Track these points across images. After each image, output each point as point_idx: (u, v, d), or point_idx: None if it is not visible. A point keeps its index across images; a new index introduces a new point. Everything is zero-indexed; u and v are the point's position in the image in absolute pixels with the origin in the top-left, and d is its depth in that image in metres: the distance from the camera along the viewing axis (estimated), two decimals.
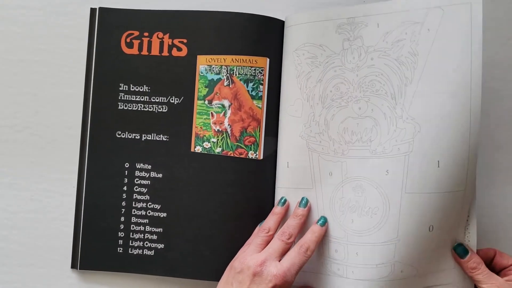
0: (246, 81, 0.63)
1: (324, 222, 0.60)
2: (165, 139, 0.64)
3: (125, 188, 0.65)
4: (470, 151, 0.55)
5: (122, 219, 0.65)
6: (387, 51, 0.58)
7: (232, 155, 0.63)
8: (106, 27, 0.65)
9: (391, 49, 0.58)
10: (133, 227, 0.65)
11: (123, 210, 0.65)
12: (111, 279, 0.66)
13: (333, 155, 0.60)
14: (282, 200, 0.62)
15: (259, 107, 0.64)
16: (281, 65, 0.64)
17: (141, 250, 0.64)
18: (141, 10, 0.65)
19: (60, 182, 0.66)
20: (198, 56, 0.64)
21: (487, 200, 0.66)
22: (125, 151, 0.65)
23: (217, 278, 0.59)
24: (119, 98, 0.65)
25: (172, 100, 0.64)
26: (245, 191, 0.63)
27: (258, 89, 0.64)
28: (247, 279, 0.55)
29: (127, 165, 0.65)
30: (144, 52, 0.64)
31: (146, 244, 0.64)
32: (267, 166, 0.64)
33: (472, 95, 0.55)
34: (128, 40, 0.65)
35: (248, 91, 0.63)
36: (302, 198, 0.61)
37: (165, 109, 0.64)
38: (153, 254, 0.64)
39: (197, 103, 0.64)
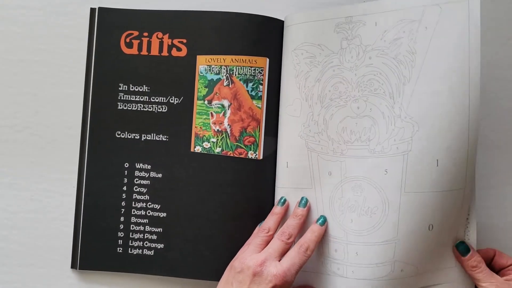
0: (246, 81, 0.64)
1: (324, 221, 0.60)
2: (165, 139, 0.65)
3: (124, 188, 0.65)
4: (469, 149, 0.56)
5: (122, 219, 0.65)
6: (385, 50, 0.58)
7: (231, 155, 0.64)
8: (106, 27, 0.66)
9: (389, 47, 0.58)
10: (132, 227, 0.65)
11: (123, 210, 0.65)
12: (111, 279, 0.66)
13: (332, 154, 0.60)
14: (282, 200, 0.62)
15: (258, 107, 0.64)
16: (281, 65, 0.65)
17: (141, 250, 0.65)
18: (140, 10, 0.65)
19: (60, 182, 0.67)
20: (197, 56, 0.64)
21: (486, 200, 0.66)
22: (125, 151, 0.65)
23: (217, 278, 0.59)
24: (119, 98, 0.65)
25: (171, 100, 0.65)
26: (245, 191, 0.64)
27: (258, 89, 0.64)
28: (247, 279, 0.55)
29: (126, 165, 0.65)
30: (144, 52, 0.65)
31: (146, 244, 0.65)
32: (267, 166, 0.64)
33: (471, 93, 0.55)
34: (127, 40, 0.65)
35: (247, 91, 0.64)
36: (302, 198, 0.62)
37: (164, 109, 0.65)
38: (153, 254, 0.64)
39: (197, 103, 0.64)
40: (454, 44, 0.55)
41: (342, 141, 0.60)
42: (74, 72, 0.67)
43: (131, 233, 0.65)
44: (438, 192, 0.56)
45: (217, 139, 0.64)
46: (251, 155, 0.64)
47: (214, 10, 0.64)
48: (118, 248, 0.65)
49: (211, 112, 0.64)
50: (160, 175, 0.65)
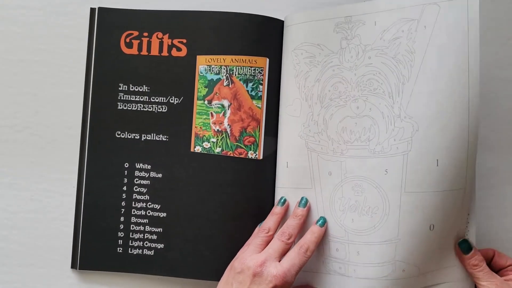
0: (246, 81, 0.64)
1: (324, 222, 0.60)
2: (165, 139, 0.65)
3: (124, 188, 0.65)
4: (469, 149, 0.56)
5: (122, 219, 0.65)
6: (384, 50, 0.58)
7: (231, 155, 0.64)
8: (106, 27, 0.66)
9: (388, 47, 0.58)
10: (132, 227, 0.65)
11: (123, 210, 0.65)
12: (111, 279, 0.66)
13: (332, 154, 0.60)
14: (282, 200, 0.63)
15: (258, 107, 0.64)
16: (281, 65, 0.65)
17: (141, 250, 0.65)
18: (140, 10, 0.66)
19: (60, 182, 0.67)
20: (197, 56, 0.64)
21: (486, 200, 0.66)
22: (125, 151, 0.65)
23: (217, 278, 0.59)
24: (119, 98, 0.65)
25: (171, 100, 0.65)
26: (245, 191, 0.64)
27: (258, 89, 0.64)
28: (247, 280, 0.55)
29: (126, 165, 0.65)
30: (144, 52, 0.65)
31: (146, 244, 0.65)
32: (267, 166, 0.65)
33: (470, 93, 0.55)
34: (127, 40, 0.65)
35: (247, 91, 0.64)
36: (302, 198, 0.62)
37: (164, 109, 0.65)
38: (153, 254, 0.65)
39: (197, 103, 0.65)
40: (453, 43, 0.55)
41: (342, 141, 0.60)
42: (74, 72, 0.67)
43: (131, 233, 0.65)
44: (438, 192, 0.56)
45: (217, 139, 0.64)
46: (251, 155, 0.64)
47: (214, 10, 0.65)
48: (118, 248, 0.65)
49: (211, 112, 0.64)
50: (160, 175, 0.65)
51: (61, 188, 0.67)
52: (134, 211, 0.65)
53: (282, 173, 0.64)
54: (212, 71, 0.64)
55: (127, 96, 0.65)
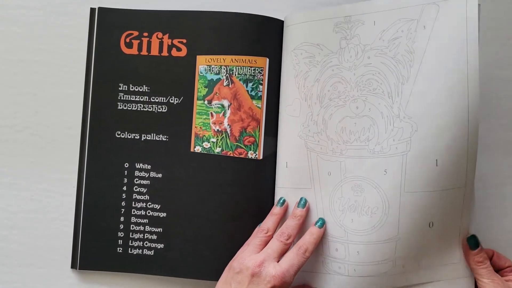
0: (246, 81, 0.64)
1: (323, 224, 0.61)
2: (165, 139, 0.65)
3: (124, 188, 0.66)
4: (469, 148, 0.56)
5: (122, 219, 0.65)
6: (383, 49, 0.58)
7: (231, 155, 0.64)
8: (106, 27, 0.66)
9: (387, 47, 0.58)
10: (132, 227, 0.65)
11: (123, 210, 0.65)
12: (111, 279, 0.66)
13: (332, 154, 0.61)
14: (281, 201, 0.63)
15: (258, 107, 0.64)
16: (281, 65, 0.65)
17: (140, 250, 0.65)
18: (140, 10, 0.66)
19: (60, 182, 0.67)
20: (197, 56, 0.65)
21: (486, 200, 0.67)
22: (125, 151, 0.65)
23: (217, 278, 0.60)
24: (119, 98, 0.65)
25: (171, 100, 0.65)
26: (245, 191, 0.64)
27: (258, 89, 0.64)
28: (246, 280, 0.56)
29: (126, 165, 0.65)
30: (144, 52, 0.65)
31: (146, 244, 0.65)
32: (267, 166, 0.65)
33: (470, 92, 0.55)
34: (127, 40, 0.65)
35: (247, 91, 0.64)
36: (301, 199, 0.62)
37: (164, 109, 0.65)
38: (152, 254, 0.65)
39: (197, 103, 0.65)
40: (452, 43, 0.55)
41: (341, 141, 0.60)
42: (74, 72, 0.67)
43: (131, 233, 0.65)
44: (438, 191, 0.57)
45: (217, 139, 0.64)
46: (251, 155, 0.64)
47: (214, 10, 0.65)
48: (118, 248, 0.65)
49: (211, 112, 0.65)
50: (160, 175, 0.65)
51: (61, 188, 0.67)
52: (134, 211, 0.65)
53: (282, 173, 0.64)
54: (212, 71, 0.65)
55: (127, 96, 0.66)
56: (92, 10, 0.67)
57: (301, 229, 0.61)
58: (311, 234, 0.60)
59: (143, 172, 0.65)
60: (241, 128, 0.64)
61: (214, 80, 0.65)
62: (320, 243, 0.61)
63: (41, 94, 0.68)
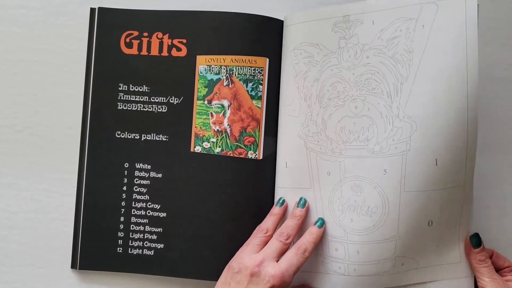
0: (246, 81, 0.64)
1: (322, 223, 0.61)
2: (165, 139, 0.66)
3: (124, 188, 0.66)
4: (468, 147, 0.56)
5: (122, 219, 0.66)
6: (382, 49, 0.58)
7: (231, 155, 0.64)
8: (106, 27, 0.66)
9: (386, 46, 0.58)
10: (132, 227, 0.66)
11: (123, 210, 0.66)
12: (111, 279, 0.67)
13: (331, 154, 0.61)
14: (281, 201, 0.63)
15: (258, 107, 0.65)
16: (281, 65, 0.65)
17: (140, 250, 0.65)
18: (140, 10, 0.66)
19: (60, 182, 0.67)
20: (197, 56, 0.65)
21: (486, 200, 0.67)
22: (125, 151, 0.66)
23: (217, 278, 0.60)
24: (119, 98, 0.66)
25: (171, 100, 0.65)
26: (244, 191, 0.64)
27: (258, 89, 0.65)
28: (245, 279, 0.56)
29: (126, 165, 0.66)
30: (144, 52, 0.65)
31: (146, 244, 0.65)
32: (267, 166, 0.65)
33: (469, 92, 0.55)
34: (127, 40, 0.66)
35: (247, 91, 0.64)
36: (300, 199, 0.62)
37: (164, 109, 0.66)
38: (152, 254, 0.65)
39: (197, 103, 0.65)
40: (452, 42, 0.56)
41: (341, 141, 0.60)
42: (74, 72, 0.68)
43: (131, 233, 0.66)
44: (437, 190, 0.57)
45: (217, 139, 0.65)
46: (251, 155, 0.65)
47: (214, 10, 0.65)
48: (118, 248, 0.66)
49: (211, 112, 0.65)
50: (160, 175, 0.66)
51: (61, 188, 0.67)
52: (134, 211, 0.66)
53: (282, 173, 0.64)
54: (212, 71, 0.65)
55: (127, 96, 0.66)
56: (92, 10, 0.67)
57: (301, 229, 0.61)
58: (311, 234, 0.60)
59: (143, 172, 0.66)
60: (241, 128, 0.65)
61: (214, 80, 0.65)
62: (320, 243, 0.61)
63: (41, 94, 0.68)
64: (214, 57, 0.65)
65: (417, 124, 0.57)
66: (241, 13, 0.64)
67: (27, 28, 0.68)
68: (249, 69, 0.64)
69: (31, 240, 0.68)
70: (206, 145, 0.65)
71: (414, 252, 0.59)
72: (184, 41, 0.65)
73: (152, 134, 0.66)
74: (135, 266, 0.66)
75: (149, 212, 0.66)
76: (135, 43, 0.66)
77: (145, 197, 0.66)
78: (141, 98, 0.66)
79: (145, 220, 0.66)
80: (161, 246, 0.65)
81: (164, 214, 0.66)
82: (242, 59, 0.64)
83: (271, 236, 0.61)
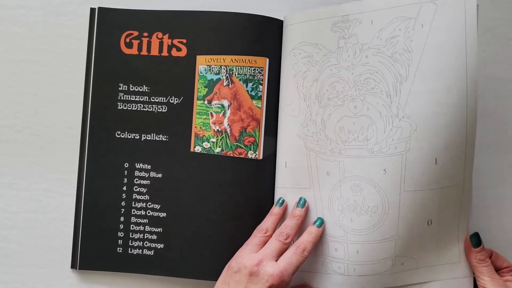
0: (246, 81, 0.65)
1: (321, 223, 0.61)
2: (165, 139, 0.66)
3: (124, 188, 0.66)
4: (467, 146, 0.56)
5: (122, 219, 0.66)
6: (381, 48, 0.59)
7: (231, 155, 0.65)
8: (106, 27, 0.67)
9: (385, 46, 0.58)
10: (132, 227, 0.66)
11: (123, 210, 0.66)
12: (111, 279, 0.67)
13: (330, 154, 0.61)
14: (280, 201, 0.63)
15: (258, 107, 0.65)
16: (280, 65, 0.65)
17: (140, 250, 0.66)
18: (140, 10, 0.66)
19: (60, 182, 0.68)
20: (197, 56, 0.65)
21: (486, 200, 0.67)
22: (125, 151, 0.66)
23: (217, 278, 0.60)
24: (119, 98, 0.66)
25: (171, 100, 0.66)
26: (244, 191, 0.65)
27: (258, 89, 0.65)
28: (244, 279, 0.56)
29: (126, 165, 0.66)
30: (144, 52, 0.66)
31: (146, 244, 0.66)
32: (267, 166, 0.66)
33: (468, 91, 0.55)
34: (127, 40, 0.66)
35: (247, 91, 0.65)
36: (300, 199, 0.63)
37: (164, 109, 0.66)
38: (152, 254, 0.66)
39: (197, 103, 0.65)
40: (451, 41, 0.56)
41: (340, 140, 0.60)
42: (74, 72, 0.68)
43: (131, 233, 0.66)
44: (437, 188, 0.57)
45: (217, 139, 0.65)
46: (251, 155, 0.65)
47: (214, 10, 0.65)
48: (118, 248, 0.66)
49: (211, 112, 0.65)
50: (160, 175, 0.66)
51: (61, 188, 0.68)
52: (134, 211, 0.66)
53: (281, 173, 0.65)
54: (212, 71, 0.65)
55: (127, 96, 0.66)
56: (92, 10, 0.67)
57: (300, 229, 0.62)
58: (310, 234, 0.60)
59: (143, 172, 0.66)
60: (241, 128, 0.65)
61: (214, 80, 0.65)
62: (320, 243, 0.62)
63: (41, 94, 0.68)
64: (214, 57, 0.65)
65: (416, 123, 0.57)
66: (241, 13, 0.65)
67: (27, 28, 0.69)
68: (249, 69, 0.65)
69: (31, 240, 0.68)
70: (206, 145, 0.65)
71: (414, 252, 0.60)
72: (184, 41, 0.66)
73: (152, 134, 0.66)
74: (135, 266, 0.66)
75: (149, 212, 0.66)
76: (135, 43, 0.66)
77: (145, 197, 0.66)
78: (141, 98, 0.66)
79: (145, 220, 0.66)
80: (161, 246, 0.66)
81: (164, 214, 0.66)
82: (242, 59, 0.65)
83: (271, 236, 0.61)
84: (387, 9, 0.59)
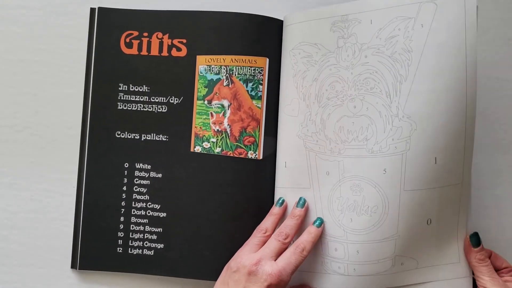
0: (246, 81, 0.65)
1: (321, 223, 0.61)
2: (165, 139, 0.66)
3: (124, 188, 0.66)
4: (466, 145, 0.57)
5: (122, 219, 0.66)
6: (380, 48, 0.59)
7: (231, 155, 0.65)
8: (106, 27, 0.67)
9: (384, 45, 0.58)
10: (132, 227, 0.66)
11: (123, 210, 0.66)
12: (111, 279, 0.67)
13: (330, 154, 0.61)
14: (280, 201, 0.64)
15: (258, 107, 0.65)
16: (280, 65, 0.66)
17: (140, 250, 0.66)
18: (140, 10, 0.67)
19: (60, 182, 0.68)
20: (197, 56, 0.66)
21: (485, 201, 0.67)
22: (125, 151, 0.66)
23: (217, 278, 0.61)
24: (119, 98, 0.66)
25: (171, 100, 0.66)
26: (245, 191, 0.65)
27: (258, 89, 0.65)
28: (243, 278, 0.57)
29: (126, 165, 0.66)
30: (144, 52, 0.66)
31: (146, 244, 0.66)
32: (267, 166, 0.66)
33: (468, 91, 0.55)
34: (127, 40, 0.66)
35: (247, 91, 0.65)
36: (300, 199, 0.63)
37: (164, 109, 0.66)
38: (152, 254, 0.66)
39: (197, 103, 0.66)
40: (451, 41, 0.56)
41: (340, 140, 0.61)
42: (74, 72, 0.68)
43: (131, 233, 0.66)
44: (436, 188, 0.58)
45: (217, 139, 0.65)
46: (251, 155, 0.65)
47: (214, 10, 0.66)
48: (118, 248, 0.66)
49: (211, 112, 0.66)
50: (160, 175, 0.66)
51: (61, 188, 0.68)
52: (134, 211, 0.66)
53: (281, 173, 0.65)
54: (212, 71, 0.65)
55: (127, 96, 0.66)
56: (92, 10, 0.68)
57: (300, 229, 0.62)
58: (309, 233, 0.61)
59: (143, 172, 0.66)
60: (241, 128, 0.65)
61: (214, 80, 0.65)
62: (319, 243, 0.62)
63: (41, 94, 0.69)
64: (214, 57, 0.65)
65: (416, 123, 0.57)
66: (241, 13, 0.65)
67: (27, 28, 0.69)
68: (249, 69, 0.65)
69: (31, 240, 0.68)
70: (206, 145, 0.66)
71: (414, 252, 0.60)
72: (184, 41, 0.66)
73: (152, 134, 0.66)
74: (135, 266, 0.66)
75: (149, 212, 0.66)
76: (135, 43, 0.66)
77: (145, 197, 0.66)
78: (141, 98, 0.66)
79: (145, 220, 0.66)
80: (161, 246, 0.66)
81: (164, 214, 0.66)
82: (242, 59, 0.65)
83: (270, 236, 0.61)
84: (387, 8, 0.59)
